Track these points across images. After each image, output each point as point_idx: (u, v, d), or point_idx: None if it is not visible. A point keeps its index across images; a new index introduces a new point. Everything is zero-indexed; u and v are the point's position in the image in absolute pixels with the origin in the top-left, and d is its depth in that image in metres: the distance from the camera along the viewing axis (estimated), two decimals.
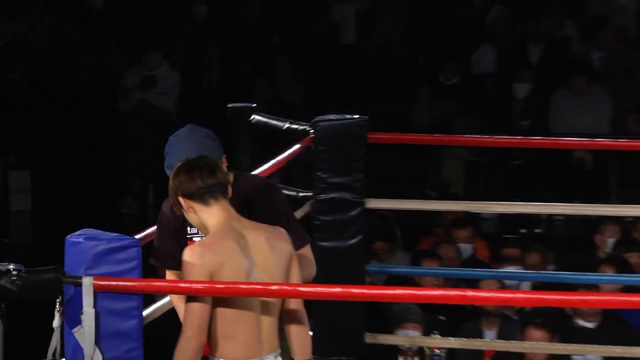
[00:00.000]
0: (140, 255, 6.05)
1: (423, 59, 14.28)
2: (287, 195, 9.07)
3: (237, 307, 6.09)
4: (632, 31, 14.21)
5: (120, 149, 13.82)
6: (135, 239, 6.10)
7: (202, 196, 6.07)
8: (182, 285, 6.13)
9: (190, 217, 6.15)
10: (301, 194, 9.01)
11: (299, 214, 9.03)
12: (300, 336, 6.29)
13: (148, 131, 13.76)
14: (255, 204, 6.55)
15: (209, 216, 6.04)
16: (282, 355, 6.23)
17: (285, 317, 6.23)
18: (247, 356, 6.11)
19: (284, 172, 9.04)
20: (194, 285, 5.94)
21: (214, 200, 6.08)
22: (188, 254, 5.95)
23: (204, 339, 5.93)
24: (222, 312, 6.04)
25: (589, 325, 9.95)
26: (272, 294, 6.25)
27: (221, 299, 6.02)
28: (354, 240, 8.90)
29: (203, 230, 6.19)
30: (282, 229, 6.23)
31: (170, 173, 6.18)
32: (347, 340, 9.04)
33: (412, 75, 14.05)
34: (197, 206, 6.07)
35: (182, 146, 6.48)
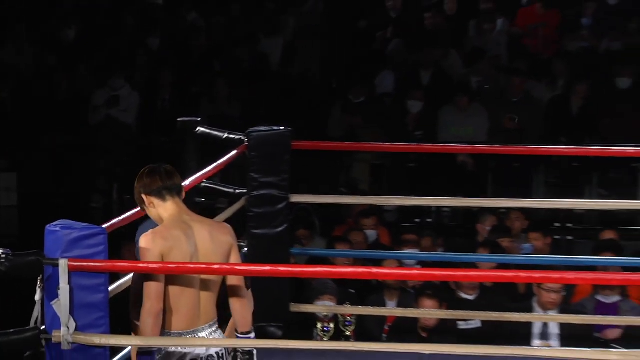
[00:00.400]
0: (106, 241, 6.20)
1: (335, 82, 14.32)
2: (225, 192, 9.19)
3: (181, 285, 6.19)
4: (503, 59, 14.28)
5: (90, 155, 13.79)
6: (102, 228, 6.29)
7: (160, 193, 6.23)
8: (140, 265, 6.24)
9: (150, 211, 6.30)
10: (237, 191, 9.13)
11: (236, 207, 9.13)
12: (242, 310, 6.45)
13: (113, 141, 13.83)
14: None
15: (164, 210, 6.26)
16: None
17: (229, 295, 6.37)
18: (188, 327, 6.26)
19: (224, 173, 9.11)
20: (150, 265, 6.05)
21: (169, 197, 6.26)
22: (143, 240, 6.15)
23: (161, 306, 6.09)
24: (169, 290, 6.13)
25: (470, 297, 10.04)
26: (214, 271, 6.42)
27: (168, 279, 6.12)
28: (280, 229, 9.00)
29: (159, 221, 6.23)
30: (226, 224, 6.44)
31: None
32: (276, 309, 9.12)
33: (327, 95, 14.08)
34: (155, 201, 6.23)
35: None
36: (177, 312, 6.20)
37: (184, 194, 6.38)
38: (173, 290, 6.18)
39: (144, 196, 6.26)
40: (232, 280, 6.36)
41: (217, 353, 6.31)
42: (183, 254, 6.17)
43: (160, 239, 6.15)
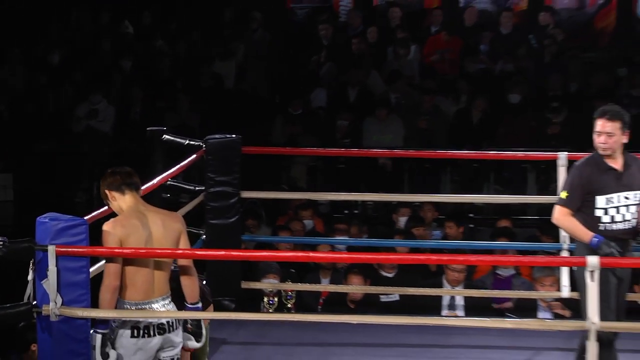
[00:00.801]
0: (87, 231, 6.24)
1: (278, 97, 14.27)
2: (187, 189, 9.14)
3: (137, 265, 6.18)
4: (416, 79, 14.29)
5: (73, 158, 13.73)
6: (84, 219, 6.39)
7: (119, 188, 6.27)
8: (116, 250, 6.21)
9: (112, 204, 6.39)
10: (197, 188, 9.11)
11: (196, 201, 9.08)
12: (191, 285, 6.39)
13: (93, 146, 13.73)
14: None
15: (124, 202, 6.30)
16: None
17: (181, 273, 6.34)
18: (143, 299, 6.22)
19: (186, 173, 9.05)
20: (115, 250, 6.03)
21: (128, 191, 6.29)
22: (105, 228, 6.15)
23: (117, 283, 6.12)
24: (127, 269, 6.13)
25: (389, 275, 10.02)
26: (177, 255, 6.39)
27: (127, 260, 6.14)
28: (233, 219, 8.97)
29: (120, 212, 6.28)
30: (177, 214, 6.43)
31: None
32: (229, 286, 9.07)
33: (271, 108, 14.04)
34: (116, 195, 6.29)
35: None
36: (133, 286, 6.17)
37: (141, 191, 6.40)
38: (130, 269, 6.17)
39: (107, 192, 6.28)
40: (182, 261, 6.34)
41: (167, 322, 6.24)
42: (139, 239, 6.17)
43: (119, 227, 6.16)
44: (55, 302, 6.22)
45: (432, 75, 14.46)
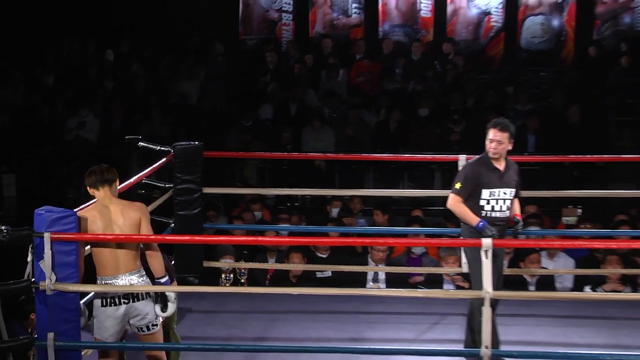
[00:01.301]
0: (76, 221, 6.23)
1: (233, 111, 14.23)
2: (159, 186, 9.06)
3: (102, 247, 6.26)
4: (344, 96, 14.30)
5: (65, 161, 13.62)
6: (73, 211, 6.39)
7: (94, 184, 6.27)
8: (100, 236, 6.19)
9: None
10: (167, 185, 9.03)
11: (166, 196, 9.01)
12: (154, 263, 6.34)
13: (81, 152, 13.59)
14: None
15: (97, 197, 6.33)
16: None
17: (146, 254, 6.33)
18: (111, 274, 6.22)
19: (158, 173, 8.97)
20: (108, 236, 6.03)
21: (101, 187, 6.28)
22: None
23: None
24: (95, 250, 6.24)
25: (324, 255, 10.00)
26: (152, 239, 6.33)
27: (94, 244, 6.29)
28: (196, 211, 8.92)
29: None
30: (139, 204, 6.36)
31: None
32: (193, 265, 9.01)
33: (227, 120, 13.99)
34: (93, 191, 6.32)
35: None
36: (101, 265, 6.22)
37: (114, 183, 6.33)
38: (96, 251, 6.23)
39: (88, 188, 6.30)
40: (146, 244, 6.33)
41: (131, 293, 6.23)
42: (97, 226, 6.22)
43: (84, 216, 6.25)
44: (50, 279, 6.24)
45: (357, 93, 14.45)
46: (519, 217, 7.49)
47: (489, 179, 7.23)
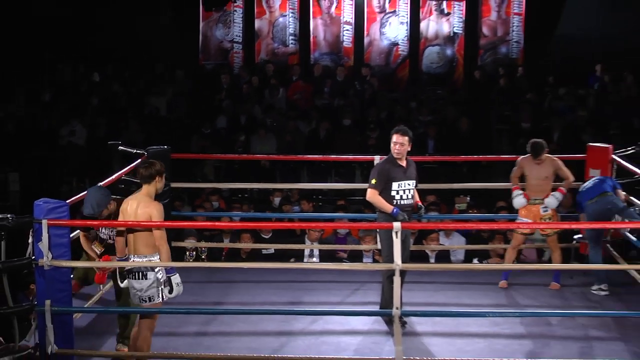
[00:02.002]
0: (68, 210, 6.25)
1: (196, 121, 14.07)
2: (135, 182, 8.92)
3: (128, 234, 6.21)
4: (284, 110, 14.27)
5: (59, 162, 13.42)
6: (66, 203, 6.34)
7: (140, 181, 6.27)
8: (89, 222, 6.09)
9: None
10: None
11: None
12: (162, 251, 6.19)
13: (72, 155, 13.40)
14: None
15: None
16: None
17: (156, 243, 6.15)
18: (127, 253, 6.17)
19: (135, 172, 8.87)
20: (94, 222, 5.89)
21: (143, 185, 6.26)
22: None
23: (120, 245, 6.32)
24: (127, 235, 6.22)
25: (267, 236, 9.93)
26: (131, 225, 6.24)
27: (120, 231, 6.30)
28: (166, 201, 8.84)
29: None
30: (153, 202, 6.17)
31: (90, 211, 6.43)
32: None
33: (190, 128, 13.84)
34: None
35: (90, 194, 6.55)
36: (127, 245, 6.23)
37: (151, 181, 6.21)
38: (126, 236, 6.24)
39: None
40: (155, 234, 6.14)
41: (131, 271, 6.18)
42: (126, 212, 6.21)
43: (125, 202, 6.27)
44: (47, 257, 6.21)
45: (294, 108, 14.42)
46: (421, 204, 7.56)
47: (395, 174, 7.32)
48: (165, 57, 15.88)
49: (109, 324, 6.85)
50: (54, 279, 6.25)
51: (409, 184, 7.36)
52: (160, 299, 6.21)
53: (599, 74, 14.84)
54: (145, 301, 6.20)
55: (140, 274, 6.15)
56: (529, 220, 8.41)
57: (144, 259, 6.14)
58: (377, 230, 8.24)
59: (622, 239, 8.70)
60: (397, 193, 7.30)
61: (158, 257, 6.15)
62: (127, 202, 6.26)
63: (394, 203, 7.27)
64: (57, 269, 6.23)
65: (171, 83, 15.15)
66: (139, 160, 8.82)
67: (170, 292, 6.20)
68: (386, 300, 7.28)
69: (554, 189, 8.51)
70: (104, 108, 14.44)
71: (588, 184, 8.50)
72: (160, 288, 6.17)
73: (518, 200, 8.43)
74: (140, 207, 6.16)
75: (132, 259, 6.17)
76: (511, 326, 7.36)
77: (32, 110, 14.39)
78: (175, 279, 6.19)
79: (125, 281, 6.27)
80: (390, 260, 6.69)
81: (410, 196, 7.37)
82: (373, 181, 7.30)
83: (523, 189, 8.50)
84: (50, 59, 15.54)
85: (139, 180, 6.29)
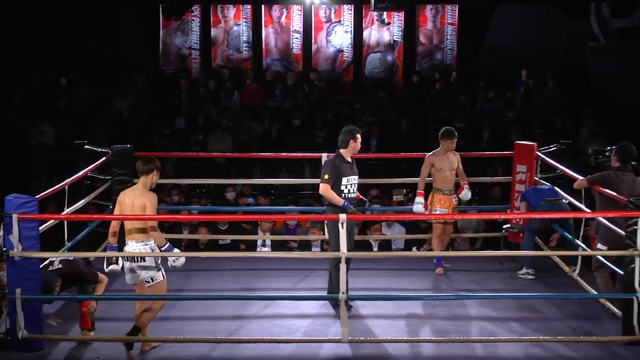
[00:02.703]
0: (37, 205, 6.21)
1: (157, 122, 13.94)
2: (100, 178, 8.80)
3: (123, 223, 6.32)
4: (238, 112, 14.27)
5: (29, 160, 13.15)
6: (35, 198, 6.32)
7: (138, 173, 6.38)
8: (56, 215, 5.98)
9: None
10: (106, 178, 8.78)
11: (106, 185, 8.78)
12: (155, 236, 6.27)
13: (41, 154, 13.18)
14: None
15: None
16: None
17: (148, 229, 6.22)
18: (123, 241, 6.33)
19: (100, 169, 8.76)
20: (55, 216, 5.79)
21: (140, 176, 6.31)
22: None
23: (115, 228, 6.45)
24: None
25: (223, 227, 9.90)
26: (96, 218, 6.14)
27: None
28: None
29: None
30: (148, 193, 6.24)
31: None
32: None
33: (152, 129, 13.71)
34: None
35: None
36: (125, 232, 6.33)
37: (149, 174, 6.32)
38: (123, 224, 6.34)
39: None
40: (148, 223, 6.26)
41: (134, 257, 6.29)
42: (123, 203, 6.32)
43: (122, 193, 6.39)
44: (17, 249, 6.12)
45: (248, 109, 14.36)
46: (364, 198, 7.62)
47: (344, 170, 7.35)
48: (128, 63, 15.72)
49: (76, 311, 6.76)
50: (24, 269, 6.17)
51: (354, 179, 7.41)
52: (162, 278, 6.38)
53: (524, 79, 15.05)
54: (149, 282, 6.33)
55: (140, 258, 6.26)
56: (446, 211, 8.49)
57: (141, 244, 6.23)
58: (325, 221, 8.23)
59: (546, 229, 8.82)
60: (346, 187, 7.33)
61: (153, 241, 6.29)
62: (124, 194, 6.39)
63: (343, 196, 7.29)
64: (26, 259, 6.15)
65: (133, 87, 14.99)
66: (104, 158, 8.72)
67: (176, 260, 6.40)
68: (333, 286, 7.29)
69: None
70: (70, 110, 14.22)
71: (544, 186, 8.63)
72: (160, 269, 6.34)
73: (418, 207, 8.45)
74: (136, 197, 6.27)
75: (130, 244, 6.26)
76: (447, 308, 7.42)
77: (4, 113, 14.11)
78: (177, 259, 6.42)
79: (111, 266, 6.43)
80: (337, 249, 6.70)
81: (355, 190, 7.42)
82: (326, 176, 7.30)
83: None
84: (21, 65, 15.27)
85: (138, 173, 6.38)
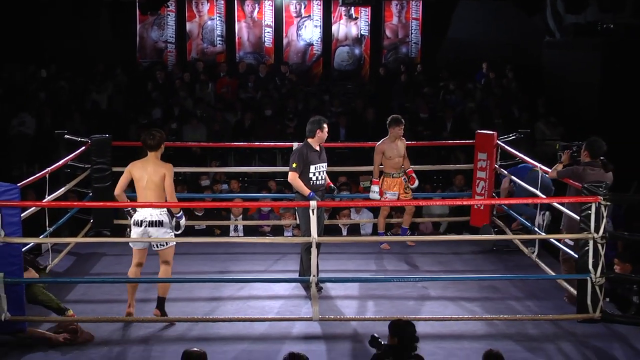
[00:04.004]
0: (19, 192, 6.11)
1: (132, 113, 13.83)
2: (81, 166, 8.71)
3: (140, 189, 6.55)
4: (212, 102, 14.09)
5: (11, 149, 12.96)
6: (17, 186, 6.23)
7: (146, 149, 6.60)
8: (38, 203, 5.91)
9: None
10: (86, 166, 8.72)
11: (85, 173, 8.69)
12: (173, 198, 6.52)
13: (22, 144, 12.97)
14: None
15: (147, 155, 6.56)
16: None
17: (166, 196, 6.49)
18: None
19: (80, 158, 8.67)
20: (36, 203, 5.70)
21: (149, 151, 6.59)
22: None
23: (118, 192, 6.66)
24: (137, 192, 6.52)
25: (200, 214, 9.82)
26: (77, 205, 6.04)
27: (131, 183, 6.57)
28: (107, 184, 8.86)
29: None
30: (165, 164, 6.55)
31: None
32: (106, 222, 8.85)
33: (129, 120, 13.65)
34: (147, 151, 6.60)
35: None
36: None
37: (158, 149, 6.56)
38: (137, 192, 6.55)
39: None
40: (167, 189, 6.52)
41: (148, 220, 6.49)
42: (137, 173, 6.51)
43: (131, 165, 6.56)
44: (0, 234, 6.03)
45: (222, 100, 14.31)
46: (332, 185, 7.62)
47: (312, 158, 7.34)
48: (106, 56, 15.58)
49: (56, 293, 6.70)
50: (6, 254, 6.08)
51: (322, 167, 7.40)
52: (174, 243, 6.63)
53: (484, 71, 15.15)
54: (163, 245, 6.56)
55: (158, 222, 6.47)
56: (396, 193, 8.60)
57: (158, 211, 6.45)
58: (296, 207, 8.22)
59: (505, 213, 8.87)
60: (314, 175, 7.33)
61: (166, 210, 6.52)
62: (134, 165, 6.54)
63: (311, 184, 7.28)
64: (9, 244, 6.06)
65: (111, 79, 14.84)
66: (83, 147, 8.64)
67: (178, 229, 6.59)
68: (304, 269, 7.30)
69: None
70: (50, 102, 14.04)
71: (522, 165, 8.48)
72: (172, 234, 6.55)
73: (374, 195, 8.53)
74: (156, 167, 6.47)
75: (148, 212, 6.46)
76: (413, 290, 7.46)
77: None
78: (183, 221, 6.61)
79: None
80: (308, 233, 6.70)
81: (323, 177, 7.42)
82: (294, 165, 7.28)
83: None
84: (1, 58, 15.04)
85: (147, 148, 6.53)
